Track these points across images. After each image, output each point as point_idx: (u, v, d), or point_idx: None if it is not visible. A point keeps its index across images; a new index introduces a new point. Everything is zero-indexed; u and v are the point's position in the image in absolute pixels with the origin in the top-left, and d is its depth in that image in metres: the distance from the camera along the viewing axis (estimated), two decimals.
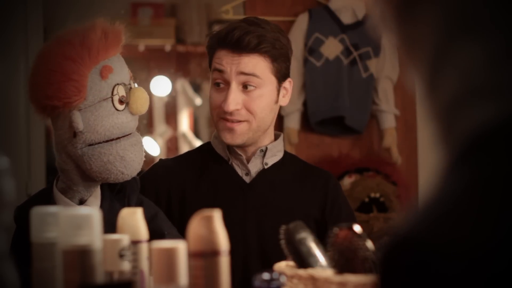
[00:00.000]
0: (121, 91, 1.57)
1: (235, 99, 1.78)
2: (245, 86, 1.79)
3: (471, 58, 0.56)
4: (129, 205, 1.65)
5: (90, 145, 1.55)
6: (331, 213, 1.85)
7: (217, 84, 1.81)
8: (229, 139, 1.80)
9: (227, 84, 1.80)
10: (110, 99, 1.55)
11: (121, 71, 1.59)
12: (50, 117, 1.58)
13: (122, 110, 1.57)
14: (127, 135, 1.59)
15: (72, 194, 1.59)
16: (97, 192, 1.62)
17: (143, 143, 1.65)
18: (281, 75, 1.86)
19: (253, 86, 1.79)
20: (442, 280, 0.51)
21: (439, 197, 0.56)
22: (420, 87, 0.61)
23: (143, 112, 1.61)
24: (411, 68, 0.62)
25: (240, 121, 1.79)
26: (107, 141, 1.56)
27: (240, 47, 1.78)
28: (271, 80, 1.83)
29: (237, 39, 1.77)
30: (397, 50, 0.62)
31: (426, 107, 0.61)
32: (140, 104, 1.60)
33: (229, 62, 1.79)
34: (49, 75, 1.52)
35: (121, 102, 1.57)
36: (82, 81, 1.51)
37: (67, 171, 1.58)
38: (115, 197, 1.65)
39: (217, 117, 1.82)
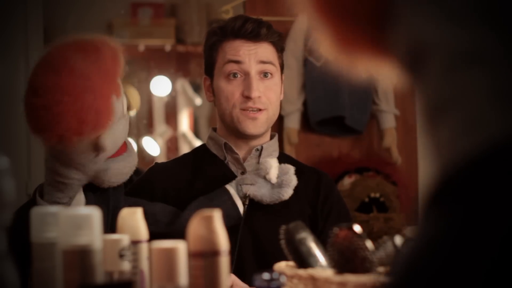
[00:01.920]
0: (125, 100, 1.61)
1: (258, 87, 1.81)
2: (264, 75, 1.83)
3: (475, 90, 0.55)
4: (115, 205, 1.65)
5: (110, 157, 1.60)
6: (322, 210, 1.85)
7: (234, 75, 1.82)
8: (252, 129, 1.82)
9: (245, 74, 1.82)
10: (124, 112, 1.60)
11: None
12: (64, 145, 1.51)
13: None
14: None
15: (53, 199, 1.58)
16: (80, 196, 1.62)
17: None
18: (282, 68, 1.91)
19: (270, 73, 1.83)
20: None
21: (415, 245, 0.55)
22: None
23: (137, 107, 1.70)
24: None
25: (260, 110, 1.82)
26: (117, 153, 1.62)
27: (255, 36, 1.82)
28: (279, 70, 1.88)
29: (252, 28, 1.82)
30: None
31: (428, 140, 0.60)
32: (137, 101, 1.66)
33: (246, 53, 1.82)
34: (74, 102, 1.44)
35: (127, 108, 1.63)
36: (108, 104, 1.51)
37: (66, 184, 1.58)
38: (99, 198, 1.65)
39: (235, 109, 1.82)
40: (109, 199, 1.66)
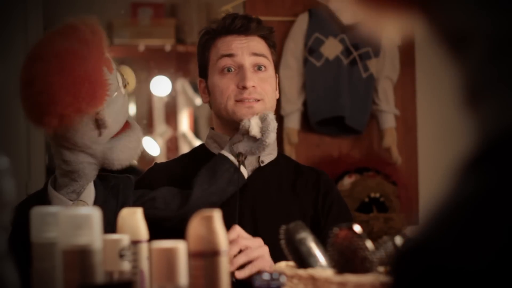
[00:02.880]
0: (120, 76, 1.62)
1: (252, 77, 1.81)
2: (257, 67, 1.84)
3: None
4: (124, 200, 1.66)
5: (113, 137, 1.60)
6: (323, 207, 1.85)
7: (228, 69, 1.83)
8: (248, 116, 1.82)
9: (239, 67, 1.83)
10: (120, 88, 1.61)
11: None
12: (65, 126, 1.52)
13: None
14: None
15: (69, 189, 1.61)
16: (90, 188, 1.63)
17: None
18: (275, 65, 1.92)
19: (263, 66, 1.85)
20: (454, 285, 0.52)
21: (450, 204, 0.56)
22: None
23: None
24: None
25: (256, 100, 1.82)
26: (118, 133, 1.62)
27: (246, 29, 1.84)
28: (272, 65, 1.89)
29: (242, 23, 1.84)
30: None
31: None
32: (132, 79, 1.67)
33: (238, 46, 1.83)
34: (66, 79, 1.46)
35: (124, 86, 1.63)
36: (104, 77, 1.54)
37: (77, 171, 1.59)
38: (109, 193, 1.67)
39: (229, 101, 1.82)
40: (118, 194, 1.67)
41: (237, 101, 1.81)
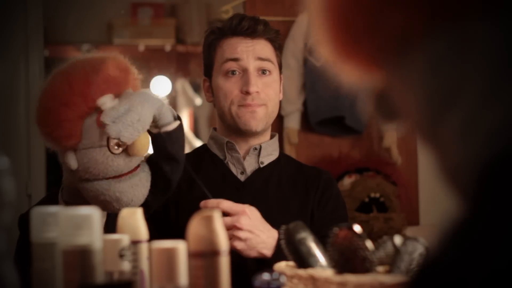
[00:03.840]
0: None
1: (256, 82, 1.81)
2: (262, 72, 1.84)
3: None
4: None
5: (85, 181, 1.47)
6: (319, 203, 1.85)
7: (232, 72, 1.82)
8: (251, 122, 1.82)
9: (243, 71, 1.83)
10: (106, 146, 1.44)
11: None
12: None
13: (120, 154, 1.45)
14: (131, 171, 1.48)
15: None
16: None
17: (148, 175, 1.52)
18: (280, 67, 1.91)
19: (268, 71, 1.84)
20: None
21: (467, 222, 0.56)
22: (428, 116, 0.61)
23: (142, 155, 1.49)
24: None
25: (259, 105, 1.82)
26: (107, 178, 1.46)
27: (252, 32, 1.83)
28: (277, 68, 1.89)
29: (249, 25, 1.83)
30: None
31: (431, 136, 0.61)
32: (140, 147, 1.46)
33: (243, 49, 1.83)
34: (45, 116, 1.45)
35: (118, 145, 1.44)
36: (74, 127, 1.43)
37: (72, 188, 1.57)
38: None
39: (233, 105, 1.83)
40: None
41: (240, 105, 1.82)
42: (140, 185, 1.49)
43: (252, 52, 1.83)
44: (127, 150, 1.45)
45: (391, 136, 3.12)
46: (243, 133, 1.85)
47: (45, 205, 1.63)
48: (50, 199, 1.63)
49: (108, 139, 1.43)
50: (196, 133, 4.80)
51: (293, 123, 3.07)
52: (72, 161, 1.45)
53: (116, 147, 1.44)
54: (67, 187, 1.56)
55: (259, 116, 1.82)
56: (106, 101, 1.44)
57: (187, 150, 1.70)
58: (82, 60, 1.49)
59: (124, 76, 1.50)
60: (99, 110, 1.44)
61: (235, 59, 1.82)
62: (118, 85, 1.48)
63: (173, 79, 4.77)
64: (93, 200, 1.47)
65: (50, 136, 1.46)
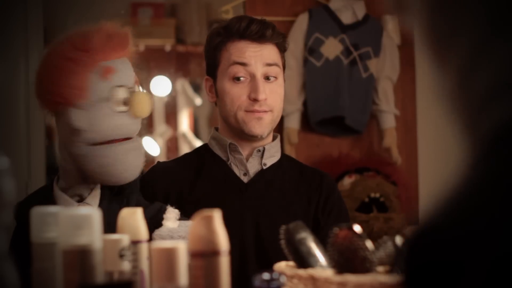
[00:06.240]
0: (122, 93, 1.57)
1: (264, 89, 1.81)
2: (267, 78, 1.83)
3: (507, 55, 0.56)
4: (127, 205, 1.64)
5: (91, 145, 1.56)
6: (324, 210, 1.85)
7: (238, 78, 1.81)
8: (257, 129, 1.82)
9: (251, 76, 1.82)
10: (110, 100, 1.56)
11: (124, 73, 1.59)
12: (53, 113, 1.60)
13: (123, 112, 1.57)
14: (129, 138, 1.60)
15: (72, 192, 1.61)
16: (96, 191, 1.62)
17: (143, 147, 1.65)
18: (283, 69, 1.91)
19: (273, 77, 1.84)
20: (465, 269, 0.52)
21: (465, 188, 0.56)
22: (446, 84, 0.61)
23: (144, 116, 1.60)
24: (438, 65, 0.62)
25: (266, 111, 1.82)
26: (108, 142, 1.56)
27: (260, 37, 1.82)
28: (282, 71, 1.89)
29: (258, 29, 1.81)
30: (427, 46, 0.62)
31: (452, 104, 0.61)
32: (141, 107, 1.58)
33: (251, 54, 1.82)
34: (51, 73, 1.55)
35: (121, 103, 1.57)
36: (82, 81, 1.53)
37: (69, 170, 1.60)
38: (114, 197, 1.65)
39: (240, 111, 1.82)
40: (123, 198, 1.66)
41: (247, 111, 1.81)
42: (138, 149, 1.61)
43: (260, 57, 1.82)
44: (129, 111, 1.57)
45: (391, 136, 3.12)
46: (247, 137, 1.85)
47: (40, 195, 1.66)
48: (46, 187, 1.66)
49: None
50: (196, 133, 4.80)
51: (293, 123, 3.07)
52: (76, 117, 1.53)
53: (119, 106, 1.56)
54: (62, 173, 1.59)
55: (265, 122, 1.82)
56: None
57: (187, 150, 1.70)
58: (79, 28, 1.60)
59: (124, 34, 1.60)
60: (104, 65, 1.54)
61: (243, 64, 1.81)
62: (119, 39, 1.58)
63: (173, 79, 4.76)
64: (98, 165, 1.55)
65: (57, 93, 1.51)
